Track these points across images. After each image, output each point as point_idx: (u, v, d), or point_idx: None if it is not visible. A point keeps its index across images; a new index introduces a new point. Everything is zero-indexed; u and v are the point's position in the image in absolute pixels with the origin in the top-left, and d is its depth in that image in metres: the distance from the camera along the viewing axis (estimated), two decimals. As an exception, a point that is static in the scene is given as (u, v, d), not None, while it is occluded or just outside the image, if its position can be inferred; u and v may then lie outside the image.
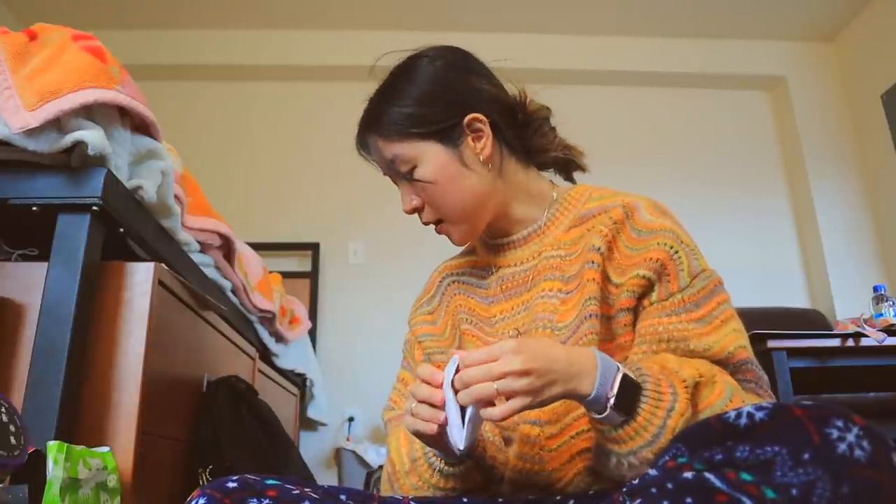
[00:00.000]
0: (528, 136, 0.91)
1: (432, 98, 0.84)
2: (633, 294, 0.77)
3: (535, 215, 0.90)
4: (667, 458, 0.56)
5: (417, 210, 0.87)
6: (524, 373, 0.62)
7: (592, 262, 0.79)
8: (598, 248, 0.80)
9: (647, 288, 0.77)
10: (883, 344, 2.10)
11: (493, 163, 0.86)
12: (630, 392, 0.65)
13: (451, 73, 0.86)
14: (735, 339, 0.74)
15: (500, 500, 0.79)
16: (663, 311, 0.76)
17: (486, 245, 0.94)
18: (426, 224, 0.89)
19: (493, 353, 0.63)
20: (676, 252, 0.77)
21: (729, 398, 0.67)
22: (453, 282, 0.97)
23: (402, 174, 0.85)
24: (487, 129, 0.85)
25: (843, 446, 0.48)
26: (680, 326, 0.74)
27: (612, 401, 0.64)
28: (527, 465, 0.77)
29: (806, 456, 0.48)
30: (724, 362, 0.73)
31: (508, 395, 0.62)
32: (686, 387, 0.66)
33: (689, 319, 0.75)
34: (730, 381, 0.71)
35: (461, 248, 1.02)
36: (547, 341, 0.69)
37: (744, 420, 0.52)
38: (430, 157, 0.82)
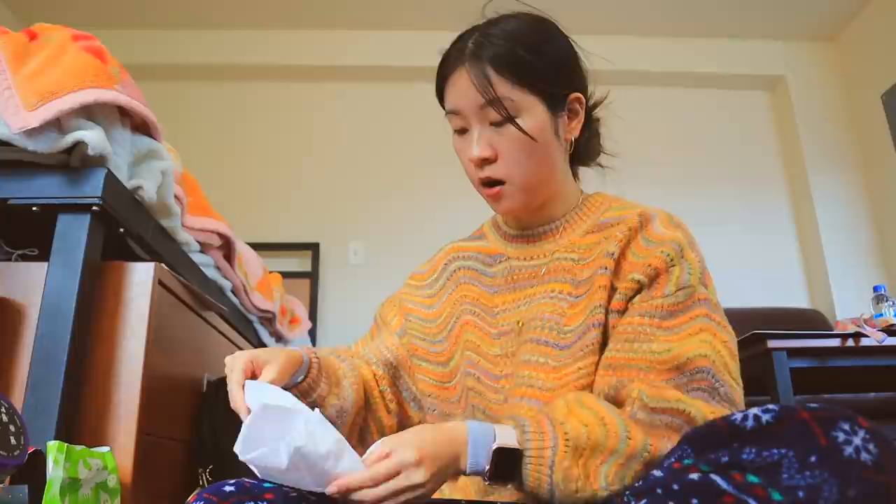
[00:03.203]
0: (584, 138, 0.91)
1: (559, 61, 0.85)
2: (625, 297, 0.78)
3: (557, 214, 0.90)
4: (673, 459, 0.56)
5: (487, 161, 0.82)
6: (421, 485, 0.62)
7: (605, 268, 0.80)
8: (612, 254, 0.81)
9: (637, 292, 0.78)
10: (883, 344, 2.09)
11: (568, 148, 0.87)
12: (511, 459, 0.66)
13: (574, 50, 0.88)
14: (697, 348, 0.72)
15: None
16: (637, 311, 0.76)
17: (502, 233, 0.94)
18: (482, 180, 0.83)
19: (391, 471, 0.62)
20: (673, 264, 0.77)
21: (626, 435, 0.65)
22: (460, 267, 0.95)
23: (494, 119, 0.80)
24: (582, 114, 0.88)
25: (849, 449, 0.48)
26: (648, 330, 0.75)
27: (488, 472, 0.65)
28: None
29: (813, 459, 0.48)
30: (678, 368, 0.71)
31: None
32: (567, 439, 0.65)
33: (659, 325, 0.75)
34: (625, 419, 0.68)
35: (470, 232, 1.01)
36: (418, 436, 0.66)
37: (750, 422, 0.52)
38: (535, 112, 0.81)
